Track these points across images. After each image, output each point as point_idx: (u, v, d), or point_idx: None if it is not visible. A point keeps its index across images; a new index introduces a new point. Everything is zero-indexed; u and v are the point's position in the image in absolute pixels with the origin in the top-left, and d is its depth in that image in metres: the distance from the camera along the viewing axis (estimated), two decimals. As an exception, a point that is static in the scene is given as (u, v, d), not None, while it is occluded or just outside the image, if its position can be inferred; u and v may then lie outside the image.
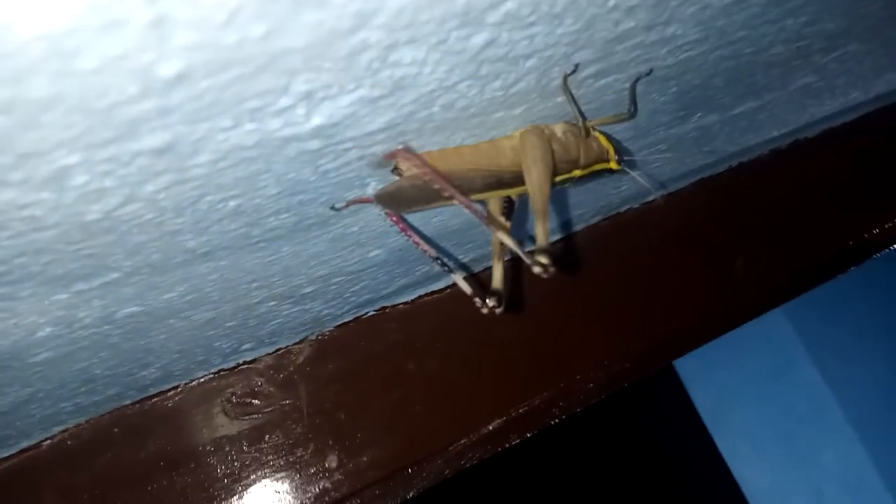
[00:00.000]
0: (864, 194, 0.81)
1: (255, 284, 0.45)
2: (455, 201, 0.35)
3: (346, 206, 0.39)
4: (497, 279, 0.41)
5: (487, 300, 0.38)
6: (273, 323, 0.53)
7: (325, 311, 0.56)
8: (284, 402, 0.58)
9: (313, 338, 0.60)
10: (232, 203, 0.33)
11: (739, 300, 0.72)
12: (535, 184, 0.37)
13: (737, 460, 2.16)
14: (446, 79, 0.31)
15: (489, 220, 0.39)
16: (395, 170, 0.36)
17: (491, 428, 0.62)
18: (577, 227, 0.68)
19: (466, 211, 0.35)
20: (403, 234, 0.43)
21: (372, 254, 0.49)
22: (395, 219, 0.42)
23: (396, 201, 0.37)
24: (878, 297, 2.20)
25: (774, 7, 0.41)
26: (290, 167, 0.32)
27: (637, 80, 0.41)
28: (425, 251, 0.44)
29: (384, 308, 0.62)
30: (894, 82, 0.75)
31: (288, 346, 0.59)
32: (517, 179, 0.39)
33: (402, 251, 0.51)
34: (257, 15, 0.22)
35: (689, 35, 0.39)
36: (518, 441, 0.62)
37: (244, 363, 0.58)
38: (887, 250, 0.81)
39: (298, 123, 0.29)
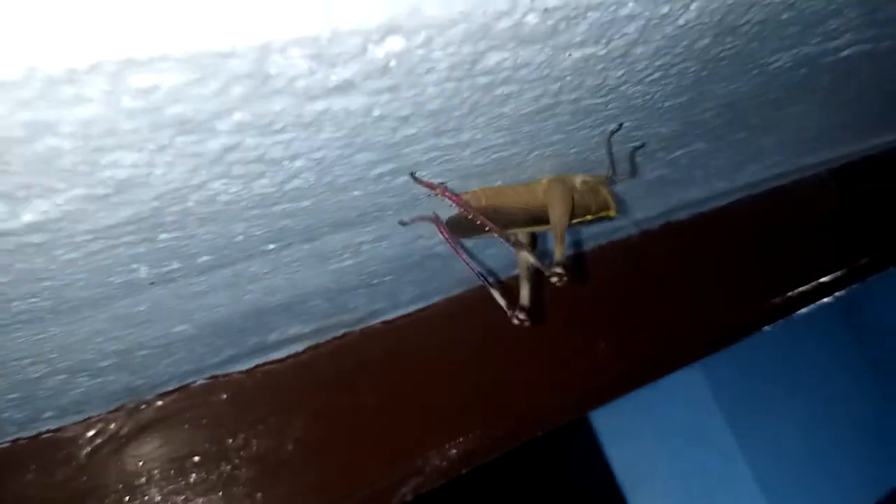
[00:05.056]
0: (733, 276, 0.83)
1: (27, 361, 0.41)
2: (494, 234, 0.44)
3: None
4: (524, 297, 0.46)
5: (518, 314, 0.43)
6: (75, 392, 0.49)
7: (139, 382, 0.52)
8: (83, 479, 0.53)
9: (131, 406, 0.56)
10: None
11: (599, 381, 0.72)
12: (558, 221, 0.46)
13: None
14: (192, 178, 0.29)
15: (520, 245, 0.46)
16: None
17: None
18: (436, 299, 0.66)
19: (502, 240, 0.44)
20: (453, 249, 0.47)
21: (177, 329, 0.46)
22: (446, 236, 0.46)
23: (460, 227, 0.46)
24: (788, 358, 2.28)
25: (585, 116, 0.41)
26: (15, 258, 0.30)
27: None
28: (471, 266, 0.48)
29: (215, 377, 0.58)
30: (758, 174, 0.77)
31: (100, 414, 0.55)
32: (547, 218, 0.47)
33: (215, 325, 0.48)
34: None
35: (492, 139, 0.38)
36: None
37: (47, 431, 0.53)
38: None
39: (4, 220, 0.26)
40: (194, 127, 0.26)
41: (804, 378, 2.15)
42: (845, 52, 0.52)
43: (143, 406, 0.56)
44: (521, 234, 0.49)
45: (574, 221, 0.48)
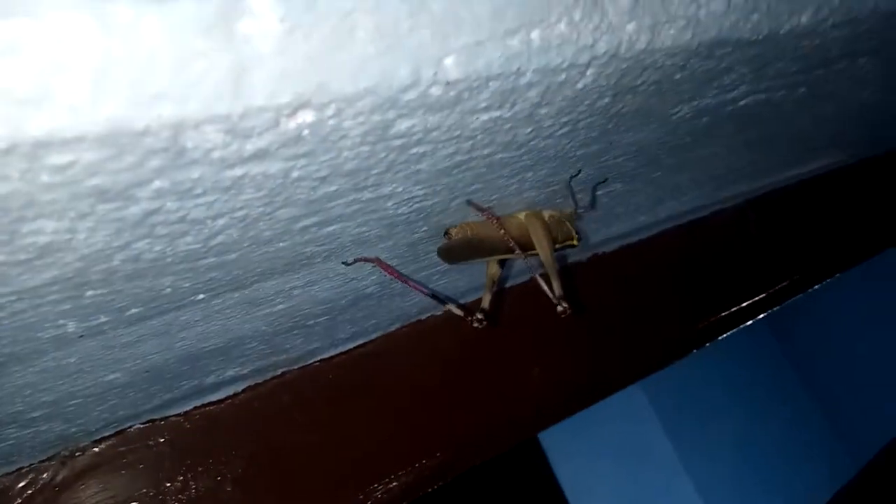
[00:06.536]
0: (660, 304, 0.87)
1: (-50, 416, 0.41)
2: (490, 256, 0.53)
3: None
4: (485, 302, 0.53)
5: (477, 315, 0.50)
6: (3, 445, 0.49)
7: (73, 429, 0.52)
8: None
9: (66, 454, 0.55)
10: None
11: (535, 407, 0.74)
12: (547, 258, 0.52)
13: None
14: (115, 241, 0.31)
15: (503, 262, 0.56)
16: (447, 234, 0.50)
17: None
18: (374, 336, 0.68)
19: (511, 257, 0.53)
20: (393, 276, 0.51)
21: (109, 378, 0.46)
22: (383, 266, 0.50)
23: (451, 255, 0.51)
24: (724, 375, 2.37)
25: (500, 168, 0.44)
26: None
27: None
28: (418, 289, 0.53)
29: (153, 420, 0.58)
30: (678, 207, 0.82)
31: (32, 464, 0.54)
32: (522, 247, 0.52)
33: (149, 372, 0.49)
34: None
35: (413, 191, 0.41)
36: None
37: (-24, 483, 0.53)
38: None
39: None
40: (114, 196, 0.27)
41: (740, 393, 2.25)
42: (743, 102, 0.56)
43: (79, 453, 0.56)
44: (494, 262, 0.55)
45: (558, 246, 0.56)
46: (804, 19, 0.45)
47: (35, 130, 0.22)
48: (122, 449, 0.57)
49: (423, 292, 0.53)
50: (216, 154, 0.28)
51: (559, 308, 0.49)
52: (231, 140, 0.27)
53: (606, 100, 0.41)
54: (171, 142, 0.25)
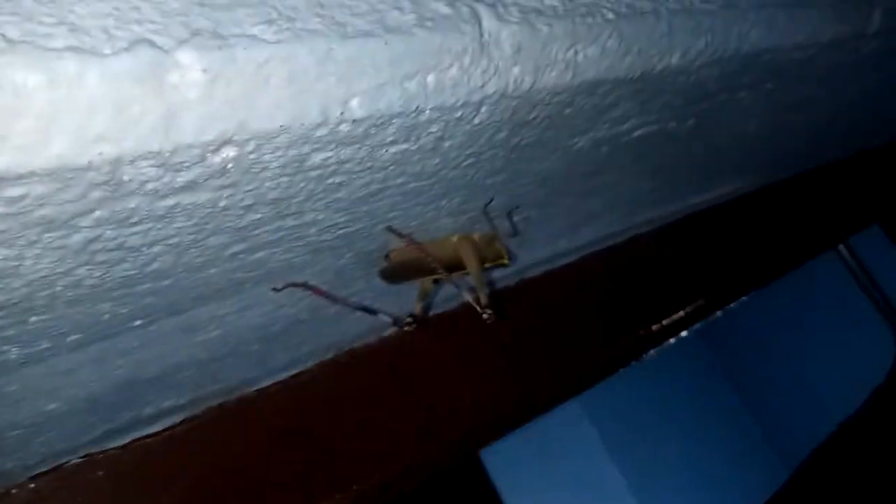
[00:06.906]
0: (583, 325, 0.93)
1: None
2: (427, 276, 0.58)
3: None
4: (417, 309, 0.59)
5: (407, 320, 0.56)
6: (-60, 481, 0.50)
7: (10, 464, 0.53)
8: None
9: (1, 491, 0.56)
10: None
11: (467, 427, 0.78)
12: (476, 273, 0.57)
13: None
14: (58, 267, 0.34)
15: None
16: (387, 257, 0.55)
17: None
18: (309, 364, 0.71)
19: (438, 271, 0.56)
20: (322, 297, 0.55)
21: (49, 407, 0.48)
22: (312, 288, 0.53)
23: (391, 275, 0.57)
24: (662, 390, 2.46)
25: (415, 196, 0.49)
26: None
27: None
28: (348, 304, 0.58)
29: (90, 454, 0.60)
30: (595, 233, 0.89)
31: (-33, 502, 0.55)
32: (456, 266, 0.57)
33: (88, 401, 0.51)
34: None
35: (334, 218, 0.45)
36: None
37: None
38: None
39: None
40: (59, 225, 0.31)
41: (678, 407, 2.35)
42: (637, 133, 0.63)
43: (15, 490, 0.57)
44: (427, 280, 0.61)
45: (487, 265, 0.61)
46: (674, 60, 0.52)
47: (-7, 167, 0.26)
48: (60, 483, 0.58)
49: (352, 306, 0.57)
50: (150, 185, 0.31)
51: (484, 315, 0.54)
52: (163, 173, 0.31)
53: (504, 133, 0.47)
54: (110, 175, 0.29)
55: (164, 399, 0.58)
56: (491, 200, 0.58)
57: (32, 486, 0.57)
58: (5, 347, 0.39)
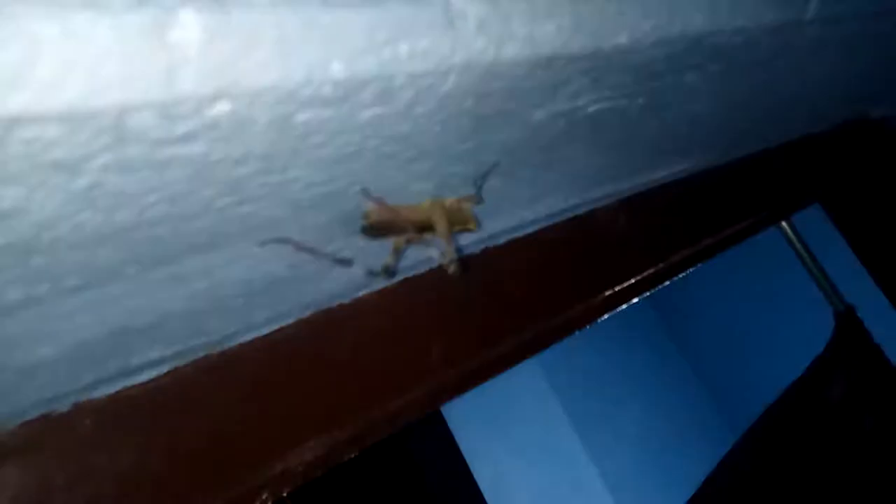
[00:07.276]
0: (544, 290, 0.99)
1: None
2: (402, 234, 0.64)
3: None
4: (390, 261, 0.65)
5: (382, 272, 0.65)
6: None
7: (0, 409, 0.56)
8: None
9: (-9, 437, 0.59)
10: None
11: (437, 380, 0.83)
12: (443, 232, 0.63)
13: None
14: (63, 209, 0.37)
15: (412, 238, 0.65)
16: (366, 215, 0.59)
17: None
18: (289, 320, 0.75)
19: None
20: (303, 251, 0.59)
21: (42, 352, 0.52)
22: (293, 243, 0.57)
23: (370, 231, 0.61)
24: (622, 366, 2.57)
25: (388, 159, 0.53)
26: None
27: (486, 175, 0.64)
28: (325, 255, 0.62)
29: (78, 403, 0.63)
30: (556, 205, 0.94)
31: (-40, 446, 0.58)
32: (427, 227, 0.64)
33: (80, 347, 0.54)
34: None
35: (313, 177, 0.49)
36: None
37: None
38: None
39: None
40: (67, 168, 0.34)
41: (634, 376, 2.46)
42: (592, 109, 0.68)
43: (4, 437, 0.59)
44: (400, 239, 0.67)
45: (456, 228, 0.67)
46: (623, 40, 0.57)
47: (13, 107, 0.29)
48: (48, 431, 0.61)
49: (329, 259, 0.62)
50: (151, 134, 0.35)
51: (451, 269, 0.60)
52: (164, 122, 0.35)
53: (469, 102, 0.51)
54: (116, 121, 0.33)
55: (150, 350, 0.61)
56: (457, 168, 0.63)
57: (21, 432, 0.60)
58: (8, 288, 0.42)
